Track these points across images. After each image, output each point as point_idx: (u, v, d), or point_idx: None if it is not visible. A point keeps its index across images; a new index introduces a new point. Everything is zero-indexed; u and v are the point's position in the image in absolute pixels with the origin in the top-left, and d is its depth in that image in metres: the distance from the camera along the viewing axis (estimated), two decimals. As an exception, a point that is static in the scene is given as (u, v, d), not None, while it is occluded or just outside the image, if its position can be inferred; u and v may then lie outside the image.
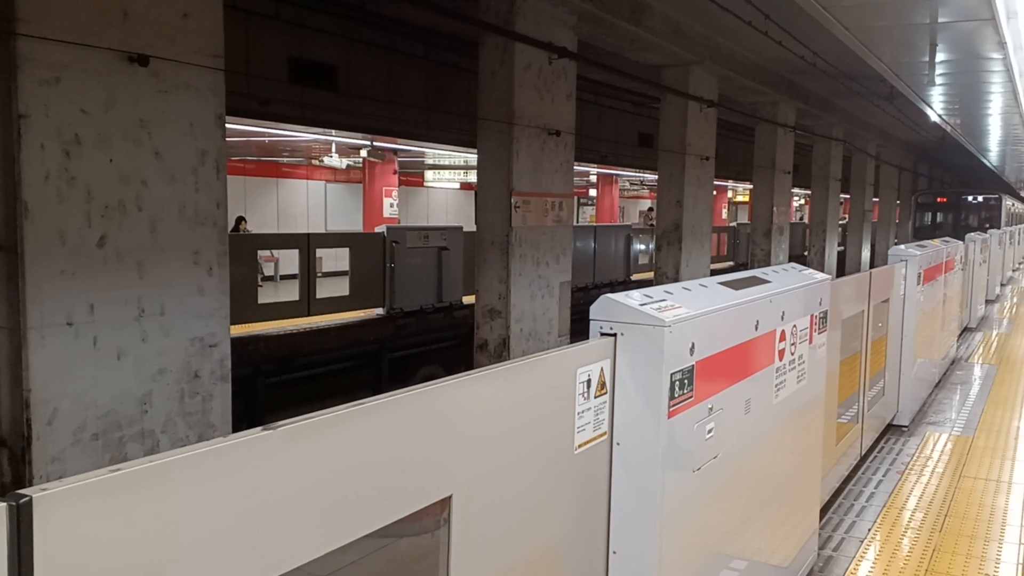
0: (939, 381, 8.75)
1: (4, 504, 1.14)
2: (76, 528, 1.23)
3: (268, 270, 19.24)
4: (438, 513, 1.96)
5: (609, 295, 2.69)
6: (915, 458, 6.12)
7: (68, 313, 4.89)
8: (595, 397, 2.52)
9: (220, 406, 5.77)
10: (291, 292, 12.31)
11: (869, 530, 4.76)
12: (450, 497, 1.95)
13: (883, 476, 5.71)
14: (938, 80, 10.82)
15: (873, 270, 6.23)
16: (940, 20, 8.01)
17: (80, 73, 4.86)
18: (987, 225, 27.33)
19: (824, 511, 4.96)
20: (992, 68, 10.05)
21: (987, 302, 14.82)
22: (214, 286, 5.67)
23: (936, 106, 13.84)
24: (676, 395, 2.68)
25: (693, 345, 2.79)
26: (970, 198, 30.61)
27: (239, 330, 9.02)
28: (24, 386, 4.76)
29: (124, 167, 5.10)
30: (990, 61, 9.63)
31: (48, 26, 4.70)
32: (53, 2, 4.75)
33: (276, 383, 10.18)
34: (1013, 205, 33.38)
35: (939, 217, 30.96)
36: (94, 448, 5.06)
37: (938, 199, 31.99)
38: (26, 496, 1.16)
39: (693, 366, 2.79)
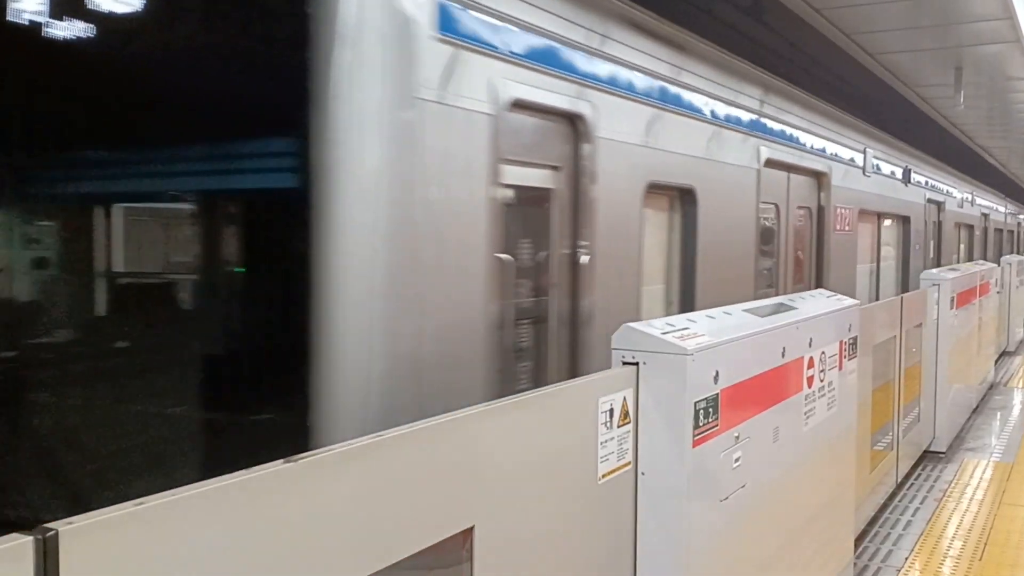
0: (977, 406, 8.59)
1: (31, 537, 1.16)
2: (101, 560, 1.25)
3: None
4: (463, 545, 1.97)
5: (630, 324, 2.69)
6: (953, 485, 6.00)
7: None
8: (618, 427, 2.51)
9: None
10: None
11: (906, 559, 4.68)
12: (472, 528, 1.95)
13: (920, 504, 5.60)
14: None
15: (904, 295, 6.16)
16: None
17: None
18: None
19: (860, 540, 4.88)
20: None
21: (1026, 325, 14.52)
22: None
23: None
24: (701, 424, 2.67)
25: (717, 373, 2.78)
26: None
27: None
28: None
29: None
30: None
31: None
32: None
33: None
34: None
35: None
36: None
37: None
38: (52, 529, 1.18)
39: (718, 394, 2.78)
